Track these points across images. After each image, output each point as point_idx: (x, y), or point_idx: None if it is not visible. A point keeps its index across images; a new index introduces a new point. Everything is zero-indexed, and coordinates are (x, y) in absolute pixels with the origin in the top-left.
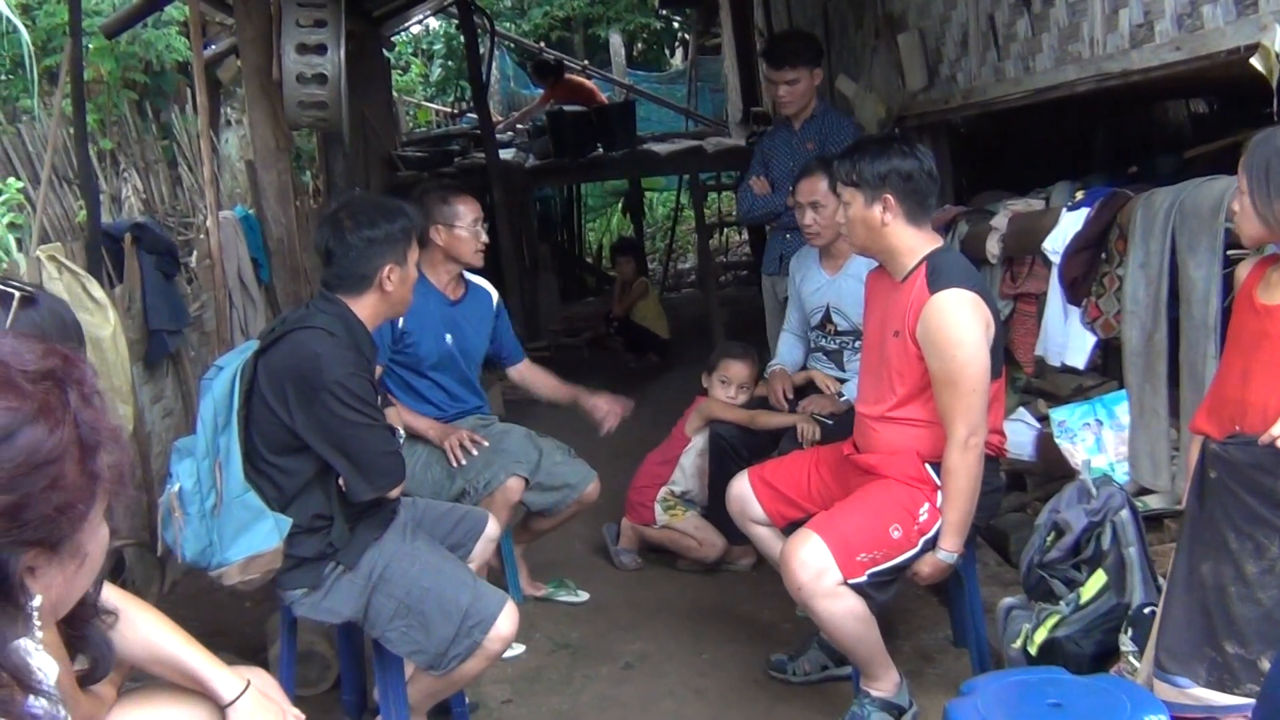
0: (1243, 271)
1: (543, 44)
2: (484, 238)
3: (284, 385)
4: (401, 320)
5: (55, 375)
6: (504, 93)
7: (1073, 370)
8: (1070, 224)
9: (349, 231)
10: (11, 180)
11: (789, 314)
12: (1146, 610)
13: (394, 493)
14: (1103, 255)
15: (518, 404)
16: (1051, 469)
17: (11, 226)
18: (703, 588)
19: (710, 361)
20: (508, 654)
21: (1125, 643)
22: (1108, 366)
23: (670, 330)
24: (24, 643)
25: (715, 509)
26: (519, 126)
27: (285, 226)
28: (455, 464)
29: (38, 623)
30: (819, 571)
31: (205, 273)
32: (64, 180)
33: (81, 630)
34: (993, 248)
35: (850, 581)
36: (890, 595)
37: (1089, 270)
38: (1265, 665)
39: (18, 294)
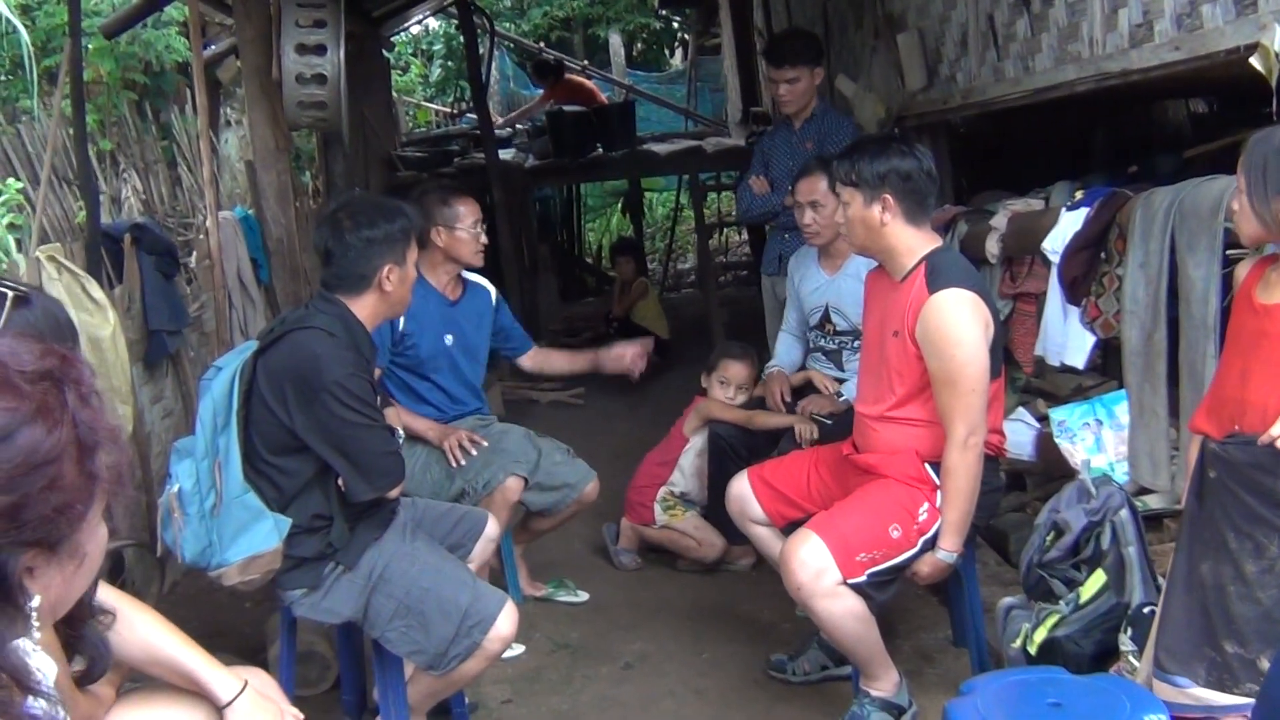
0: (1242, 271)
1: (542, 44)
2: (483, 239)
3: (283, 385)
4: (401, 322)
5: (53, 375)
6: (503, 93)
7: (1072, 370)
8: (1070, 224)
9: (348, 232)
10: (11, 181)
11: (787, 314)
12: (1146, 610)
13: (393, 493)
14: (1102, 255)
15: (517, 404)
16: (1051, 469)
17: (11, 227)
18: (702, 588)
19: (710, 362)
20: (507, 654)
21: (1125, 642)
22: (1107, 366)
23: (670, 330)
24: (23, 643)
25: (715, 509)
26: (518, 126)
27: (285, 227)
28: (454, 464)
29: (36, 623)
30: (818, 571)
31: (205, 273)
32: (63, 181)
33: (79, 630)
34: (992, 247)
35: (850, 581)
36: (890, 595)
37: (1088, 270)
38: (1265, 665)
39: (11, 294)
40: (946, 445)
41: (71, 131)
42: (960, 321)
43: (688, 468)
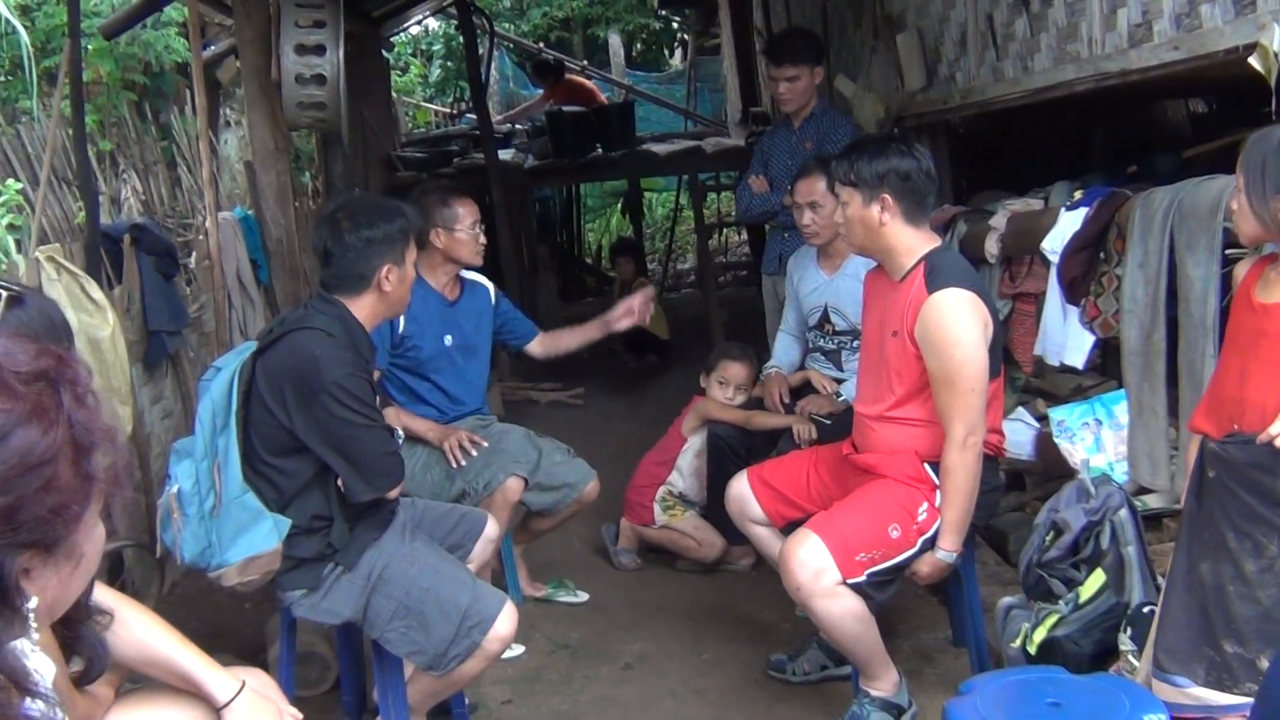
0: (1241, 271)
1: (542, 44)
2: (482, 239)
3: (282, 386)
4: (401, 323)
5: (48, 376)
6: (503, 93)
7: (1071, 370)
8: (1069, 223)
9: (347, 232)
10: (11, 181)
11: (786, 314)
12: (1145, 609)
13: (393, 493)
14: (1101, 255)
15: (517, 405)
16: (1050, 468)
17: (11, 228)
18: (702, 588)
19: (709, 362)
20: (507, 654)
21: (1124, 642)
22: (1106, 366)
23: (669, 330)
24: (21, 644)
25: (714, 509)
26: (518, 126)
27: (284, 227)
28: (455, 465)
29: (34, 624)
30: (818, 571)
31: (204, 274)
32: (63, 181)
33: (76, 631)
34: (991, 247)
35: (849, 581)
36: (889, 595)
37: (1087, 270)
38: (1264, 664)
39: (5, 294)
40: (946, 445)
41: (71, 132)
42: (959, 321)
43: (686, 468)
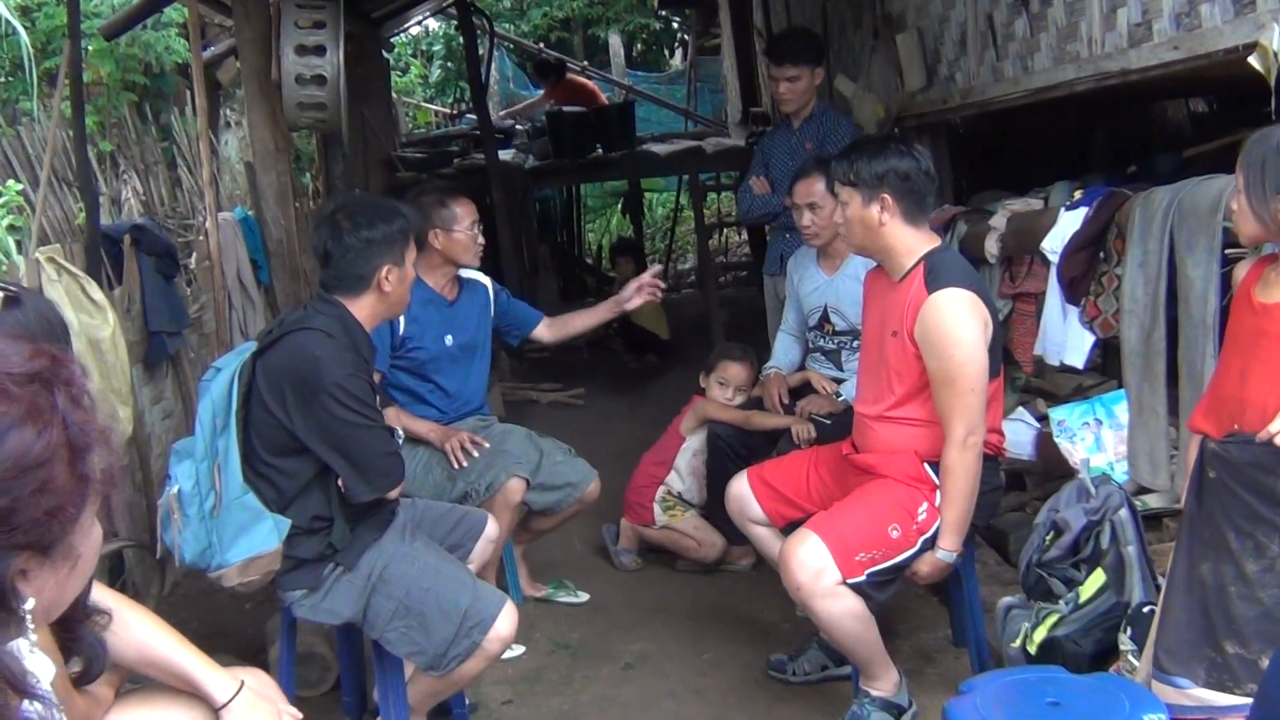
0: (1241, 271)
1: (542, 45)
2: (481, 239)
3: (282, 387)
4: (401, 325)
5: (43, 377)
6: (503, 94)
7: (1072, 369)
8: (1069, 223)
9: (347, 233)
10: (11, 182)
11: (786, 314)
12: (1145, 609)
13: (393, 493)
14: (1101, 254)
15: (517, 405)
16: (1051, 468)
17: (11, 228)
18: (702, 588)
19: (709, 362)
20: (507, 655)
21: (1124, 642)
22: (1107, 366)
23: (670, 331)
24: (18, 645)
25: (714, 509)
26: (517, 126)
27: (284, 228)
28: (456, 466)
29: (31, 626)
30: (818, 571)
31: (205, 274)
32: (63, 182)
33: (75, 631)
34: (991, 247)
35: (849, 581)
36: (889, 595)
37: (1087, 269)
38: (1266, 665)
39: (1, 295)
40: (945, 445)
41: (71, 133)
42: (959, 321)
43: (684, 468)
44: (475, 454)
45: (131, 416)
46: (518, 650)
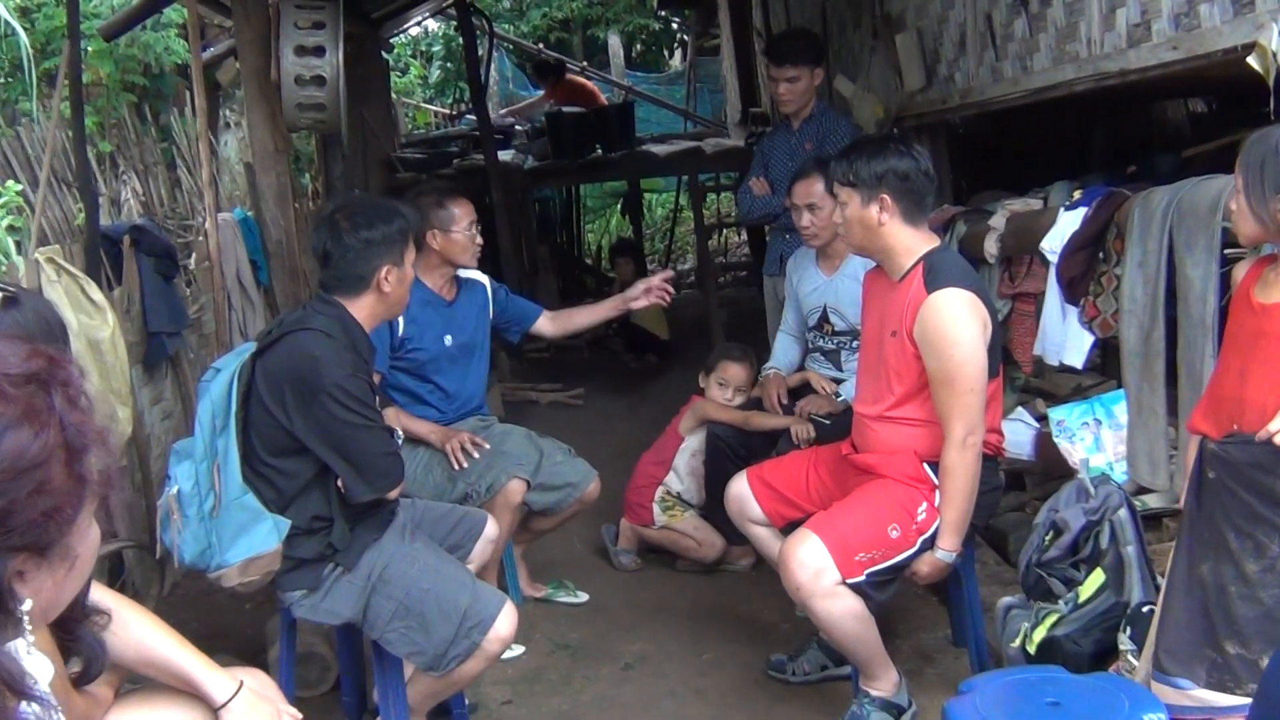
0: (1240, 271)
1: (541, 45)
2: (479, 239)
3: (282, 387)
4: (401, 327)
5: (39, 378)
6: (503, 94)
7: (1071, 369)
8: (1068, 223)
9: (346, 233)
10: (10, 183)
11: (786, 314)
12: (1145, 609)
13: (393, 494)
14: (1100, 254)
15: (517, 405)
16: (1050, 468)
17: (10, 229)
18: (702, 588)
19: (708, 363)
20: (507, 655)
21: (1124, 641)
22: (1106, 366)
23: (669, 331)
24: (18, 645)
25: (714, 509)
26: (518, 126)
27: (284, 229)
28: (457, 467)
29: (28, 627)
30: (817, 571)
31: (204, 275)
32: (63, 183)
33: (74, 632)
34: (991, 247)
35: (849, 581)
36: (889, 595)
37: (1087, 269)
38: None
39: (0, 295)
40: (945, 445)
41: (71, 133)
42: (958, 321)
43: (683, 468)
44: (476, 455)
45: (131, 417)
46: (517, 650)
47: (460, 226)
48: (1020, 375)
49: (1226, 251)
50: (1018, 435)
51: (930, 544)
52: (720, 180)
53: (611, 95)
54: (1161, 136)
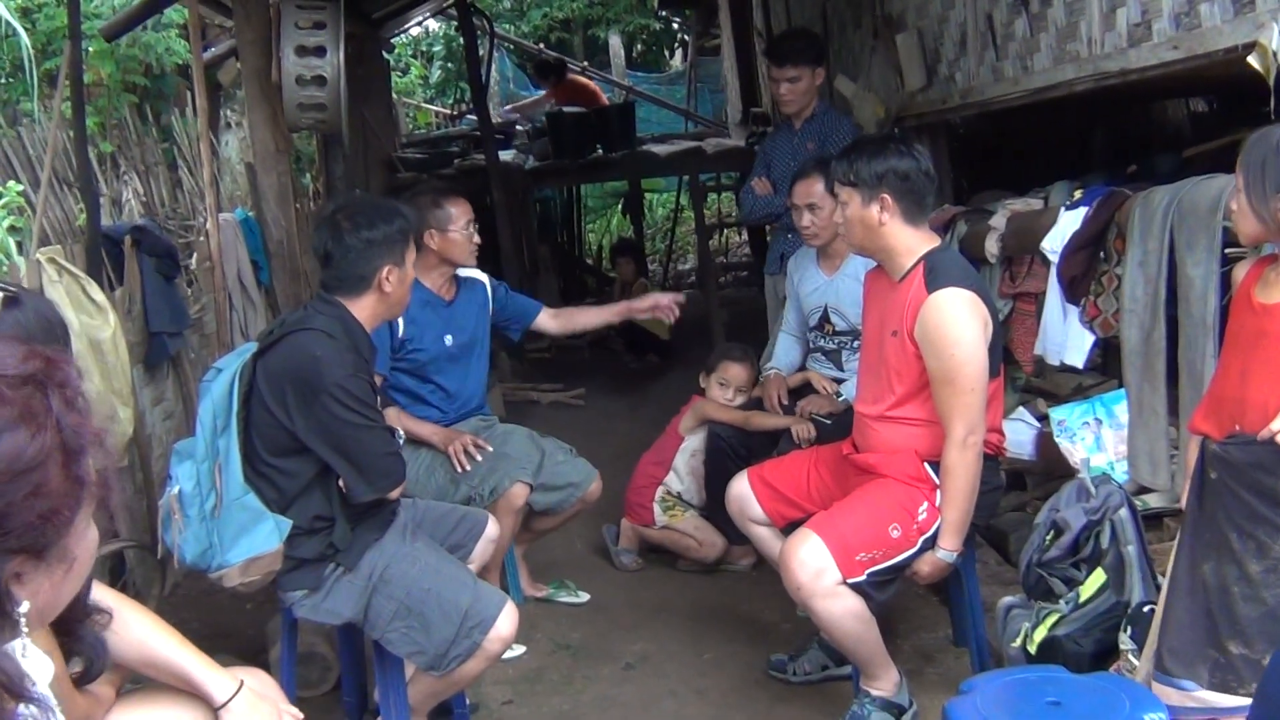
0: (1240, 271)
1: (542, 45)
2: (476, 238)
3: (283, 387)
4: (401, 327)
5: (37, 379)
6: (503, 94)
7: (1072, 369)
8: (1069, 223)
9: (347, 233)
10: (12, 183)
11: (786, 314)
12: (1145, 608)
13: (394, 494)
14: (1101, 254)
15: (518, 405)
16: (1051, 468)
17: (12, 229)
18: (703, 588)
19: (709, 363)
20: (508, 655)
21: (1124, 641)
22: (1107, 365)
23: (670, 331)
24: (16, 645)
25: (714, 509)
26: (519, 126)
27: (285, 229)
28: (460, 469)
29: (25, 629)
30: (818, 571)
31: (205, 275)
32: (64, 183)
33: (75, 631)
34: (991, 247)
35: (849, 581)
36: (890, 595)
37: (1087, 269)
38: None
39: (1, 295)
40: (946, 444)
41: (72, 134)
42: (959, 320)
43: (683, 468)
44: (478, 457)
45: (132, 417)
46: (518, 650)
47: (457, 226)
48: (1021, 375)
49: (1227, 251)
50: (1019, 435)
51: (931, 544)
52: (721, 180)
53: (612, 95)
54: (1162, 136)
